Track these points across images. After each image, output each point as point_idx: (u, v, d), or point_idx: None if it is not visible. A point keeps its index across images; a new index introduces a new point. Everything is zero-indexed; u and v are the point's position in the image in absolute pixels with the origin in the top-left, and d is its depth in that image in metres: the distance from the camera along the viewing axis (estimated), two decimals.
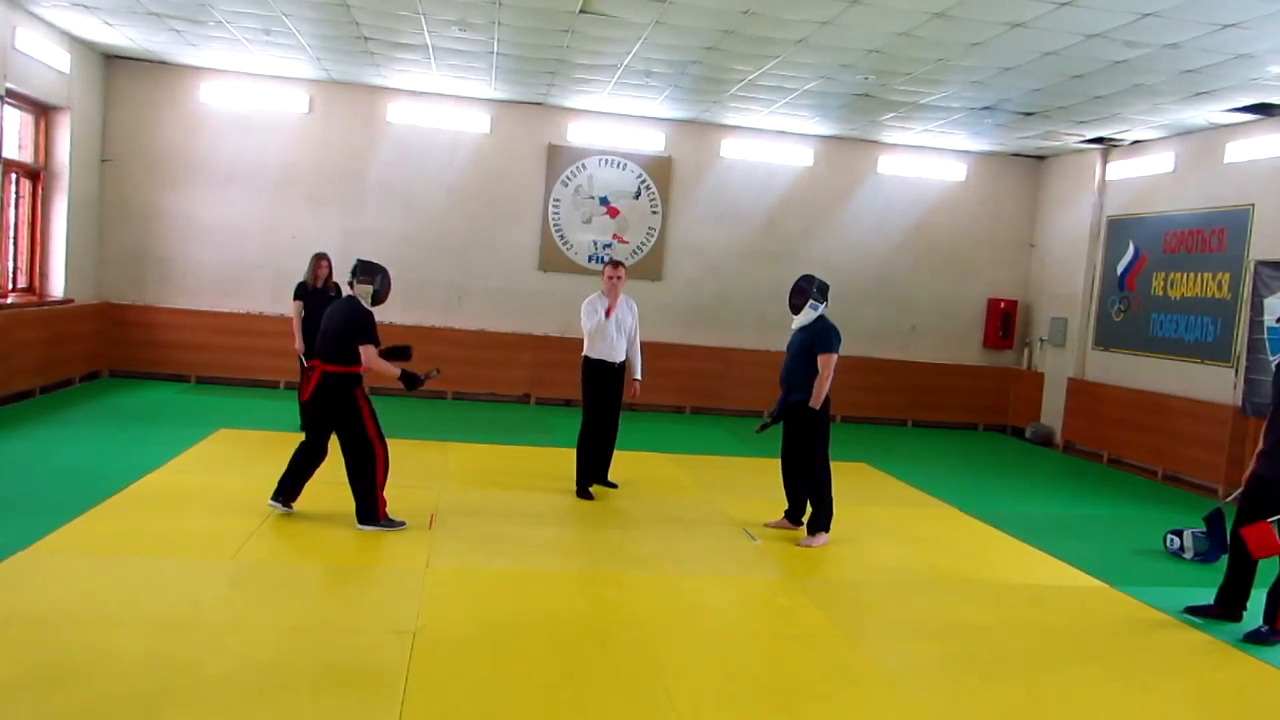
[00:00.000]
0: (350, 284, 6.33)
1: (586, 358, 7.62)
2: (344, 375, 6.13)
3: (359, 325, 6.12)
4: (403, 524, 6.25)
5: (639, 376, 7.89)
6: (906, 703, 4.34)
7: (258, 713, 3.76)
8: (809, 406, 6.63)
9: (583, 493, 7.64)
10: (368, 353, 6.12)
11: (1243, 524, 5.62)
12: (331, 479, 6.50)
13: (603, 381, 7.64)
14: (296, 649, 4.35)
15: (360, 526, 6.16)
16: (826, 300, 6.80)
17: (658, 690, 4.23)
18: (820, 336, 6.65)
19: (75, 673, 3.92)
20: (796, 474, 6.91)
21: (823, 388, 6.58)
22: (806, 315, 6.74)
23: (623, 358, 7.69)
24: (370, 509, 6.16)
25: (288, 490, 6.34)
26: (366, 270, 6.28)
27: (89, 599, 4.75)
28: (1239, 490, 6.13)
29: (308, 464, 6.35)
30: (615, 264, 7.68)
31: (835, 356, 6.62)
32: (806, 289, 6.77)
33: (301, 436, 9.09)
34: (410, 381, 6.34)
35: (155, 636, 4.34)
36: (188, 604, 4.77)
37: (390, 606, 5.04)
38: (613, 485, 7.97)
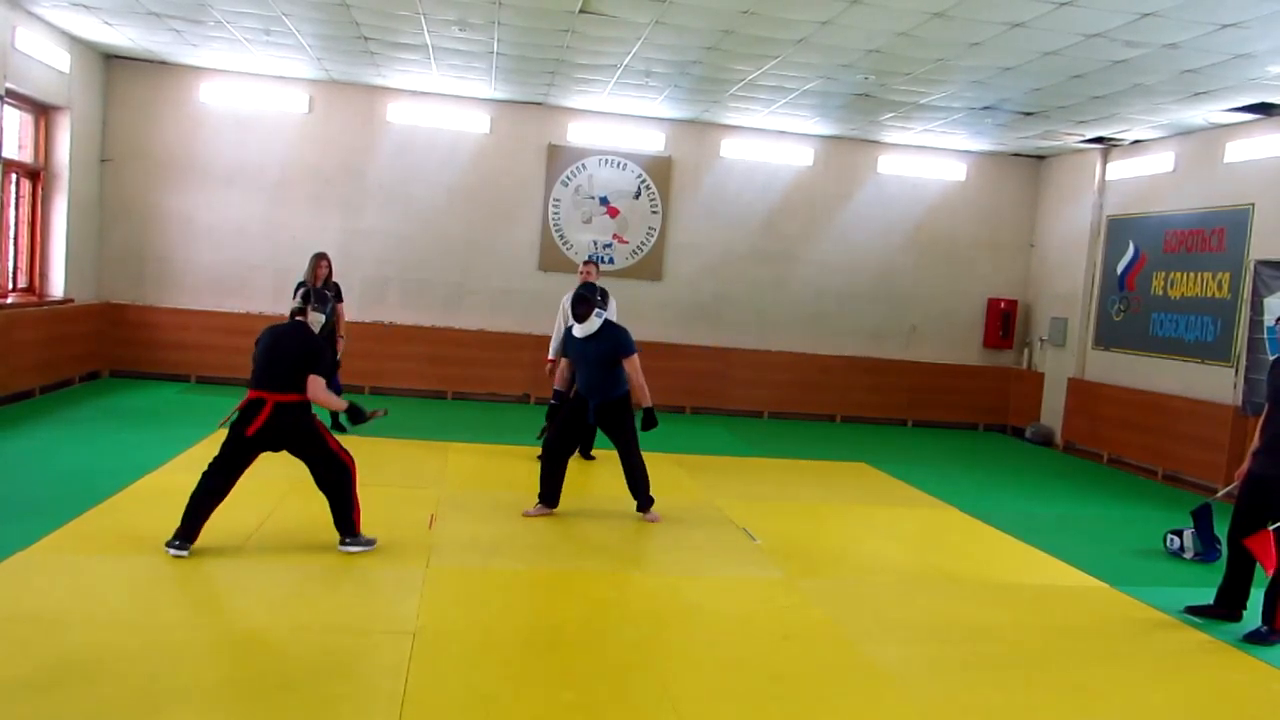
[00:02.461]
0: (302, 311, 5.91)
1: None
2: (301, 405, 5.70)
3: (316, 355, 5.74)
4: (374, 541, 5.87)
5: None
6: (907, 703, 4.34)
7: (258, 712, 3.76)
8: (619, 405, 6.92)
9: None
10: (318, 384, 5.67)
11: (1240, 525, 5.63)
12: None
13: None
14: (297, 649, 4.35)
15: (344, 548, 5.74)
16: (607, 307, 7.04)
17: (658, 690, 4.23)
18: (622, 343, 6.91)
19: (75, 672, 3.93)
20: (562, 464, 7.00)
21: (644, 384, 6.94)
22: (593, 323, 6.88)
23: None
24: (351, 523, 5.77)
25: (193, 531, 5.49)
26: (321, 299, 6.07)
27: (89, 599, 4.75)
28: (1232, 486, 6.14)
29: (215, 501, 5.62)
30: (588, 261, 9.02)
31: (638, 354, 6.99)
32: (591, 298, 6.90)
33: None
34: (355, 414, 6.00)
35: (155, 636, 4.34)
36: (188, 604, 4.77)
37: (390, 606, 5.04)
38: (590, 457, 8.97)
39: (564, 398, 7.17)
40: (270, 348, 5.71)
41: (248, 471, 7.45)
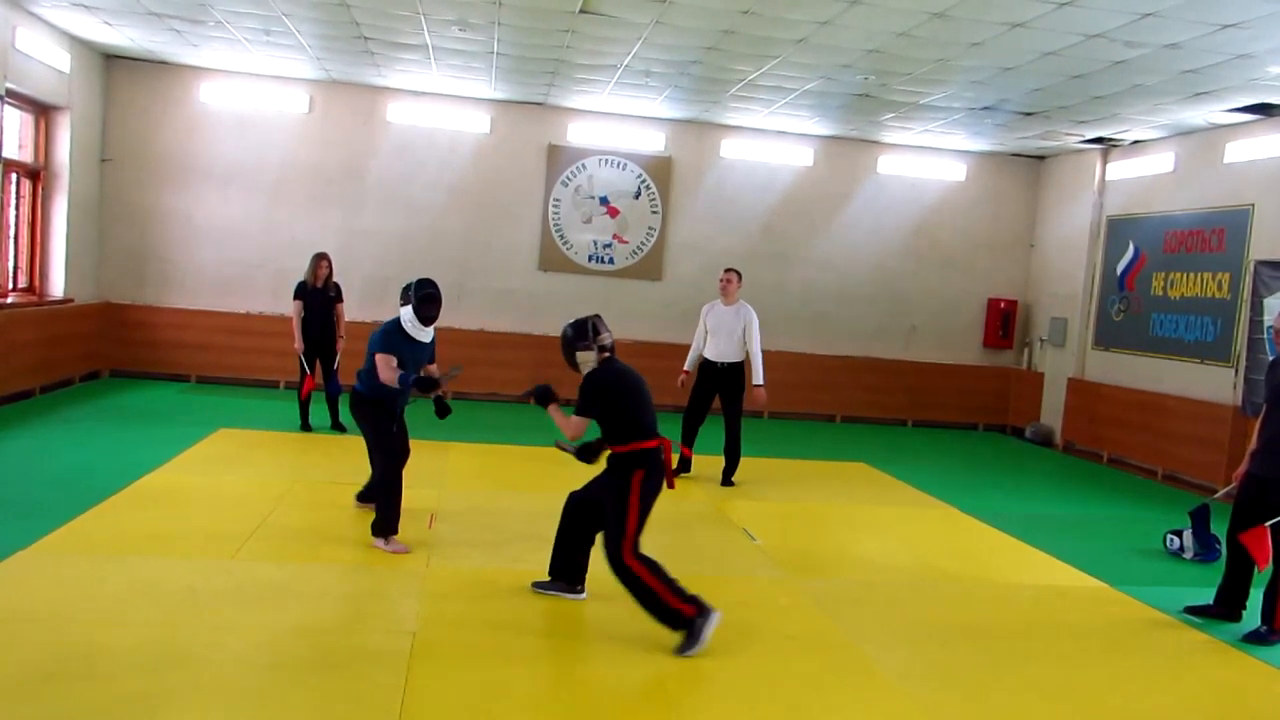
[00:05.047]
0: (613, 348, 5.08)
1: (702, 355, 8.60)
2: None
3: None
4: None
5: (758, 381, 8.49)
6: (907, 703, 4.34)
7: (258, 712, 3.76)
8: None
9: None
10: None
11: (1239, 527, 5.62)
12: (340, 479, 6.50)
13: (705, 377, 8.52)
14: (296, 649, 4.35)
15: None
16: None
17: (658, 690, 4.23)
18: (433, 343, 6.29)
19: (75, 672, 3.92)
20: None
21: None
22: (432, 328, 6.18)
23: (727, 359, 8.40)
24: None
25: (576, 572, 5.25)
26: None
27: (89, 599, 4.75)
28: (1230, 487, 6.13)
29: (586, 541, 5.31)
30: (727, 270, 8.65)
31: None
32: (440, 299, 6.09)
33: (301, 436, 9.17)
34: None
35: (155, 636, 4.34)
36: (188, 604, 4.77)
37: (390, 606, 5.04)
38: (730, 483, 8.48)
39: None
40: (642, 391, 5.04)
41: (243, 473, 7.51)
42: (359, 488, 6.79)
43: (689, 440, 8.64)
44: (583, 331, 5.02)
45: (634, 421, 4.88)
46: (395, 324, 5.95)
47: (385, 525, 5.93)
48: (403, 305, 6.03)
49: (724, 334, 8.41)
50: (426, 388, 5.85)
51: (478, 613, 5.00)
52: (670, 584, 4.68)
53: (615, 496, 4.83)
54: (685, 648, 4.56)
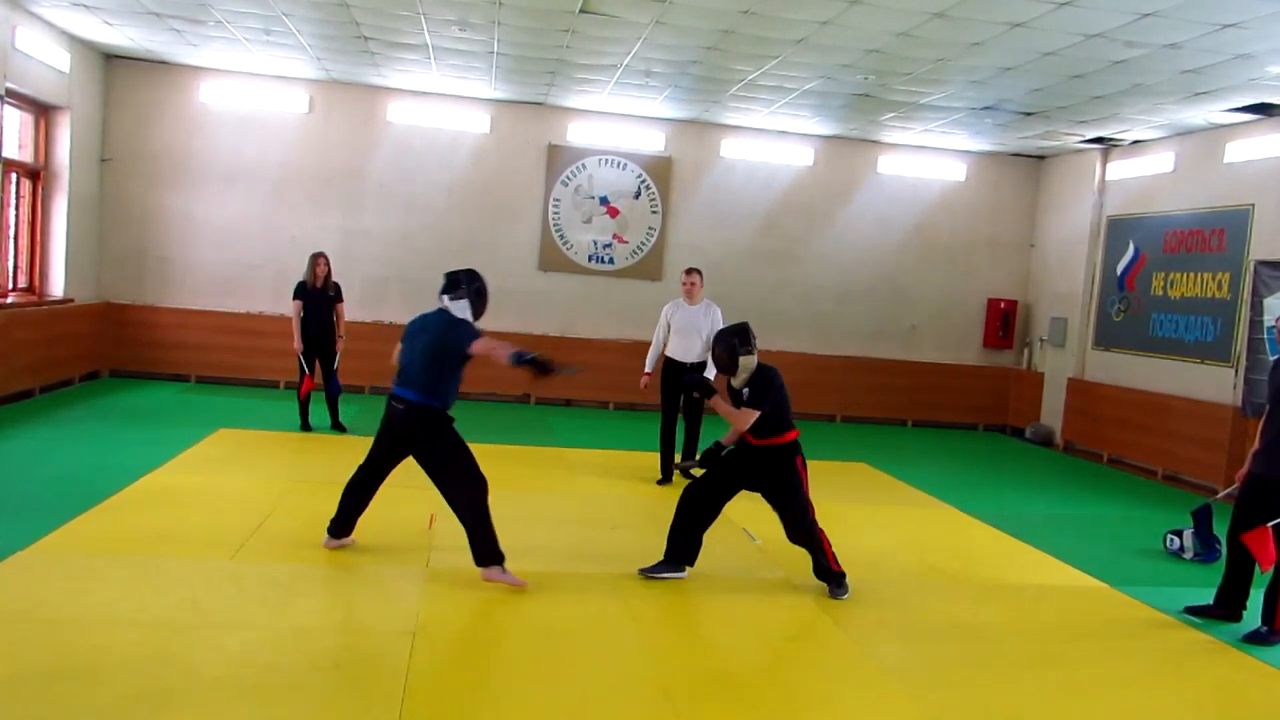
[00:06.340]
0: (755, 352, 5.62)
1: (665, 355, 8.40)
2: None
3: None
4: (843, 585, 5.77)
5: (711, 375, 8.33)
6: (907, 703, 4.34)
7: (258, 713, 3.76)
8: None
9: (665, 479, 8.45)
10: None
11: (1240, 526, 5.62)
12: (340, 480, 6.49)
13: (673, 376, 8.27)
14: (296, 649, 4.34)
15: (838, 594, 5.71)
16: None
17: (658, 690, 4.23)
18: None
19: (75, 672, 3.92)
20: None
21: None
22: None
23: (694, 358, 8.21)
24: (831, 569, 5.78)
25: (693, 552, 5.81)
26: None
27: (89, 599, 4.75)
28: (1233, 487, 6.13)
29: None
30: (689, 270, 8.51)
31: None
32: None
33: (301, 436, 9.17)
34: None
35: (155, 636, 4.34)
36: (188, 604, 4.77)
37: (390, 606, 5.03)
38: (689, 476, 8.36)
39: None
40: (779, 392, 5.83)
41: (243, 473, 7.51)
42: None
43: (673, 448, 8.46)
44: (746, 337, 5.58)
45: (790, 414, 5.72)
46: (456, 317, 5.57)
47: (492, 552, 5.32)
48: (454, 299, 5.57)
49: (691, 333, 8.23)
50: (544, 369, 5.26)
51: (478, 613, 5.01)
52: (834, 553, 5.68)
53: (789, 481, 5.67)
54: (837, 593, 5.62)
